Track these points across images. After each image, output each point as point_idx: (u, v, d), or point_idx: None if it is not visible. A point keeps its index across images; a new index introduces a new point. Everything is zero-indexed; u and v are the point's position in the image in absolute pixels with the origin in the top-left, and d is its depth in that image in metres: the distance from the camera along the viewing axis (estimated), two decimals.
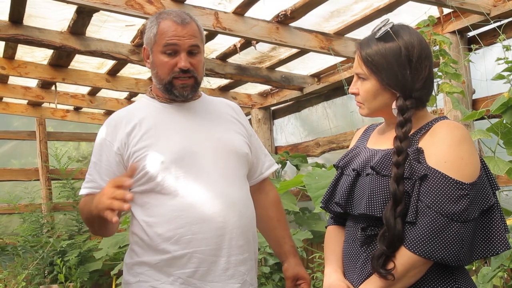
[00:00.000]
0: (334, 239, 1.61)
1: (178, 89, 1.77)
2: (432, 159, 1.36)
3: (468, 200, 1.31)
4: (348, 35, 3.56)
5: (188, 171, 1.72)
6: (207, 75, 4.15)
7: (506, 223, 1.40)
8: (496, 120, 2.25)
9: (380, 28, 1.43)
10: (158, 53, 1.76)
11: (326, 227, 1.67)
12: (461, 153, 1.35)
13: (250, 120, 5.29)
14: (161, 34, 1.75)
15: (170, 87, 1.77)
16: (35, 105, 5.93)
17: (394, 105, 1.44)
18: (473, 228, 1.34)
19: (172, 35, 1.73)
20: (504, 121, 2.17)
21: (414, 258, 1.32)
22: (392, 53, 1.41)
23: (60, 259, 5.17)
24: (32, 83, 5.21)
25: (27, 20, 3.50)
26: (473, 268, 2.27)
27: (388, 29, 1.41)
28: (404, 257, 1.33)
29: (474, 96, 3.14)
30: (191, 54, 1.76)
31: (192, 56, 1.76)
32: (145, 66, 4.07)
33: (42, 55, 4.34)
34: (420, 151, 1.38)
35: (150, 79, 4.83)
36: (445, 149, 1.36)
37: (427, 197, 1.32)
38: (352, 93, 1.52)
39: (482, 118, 2.38)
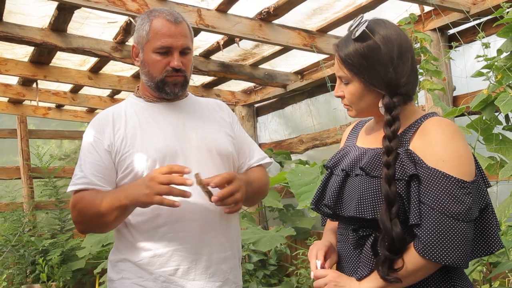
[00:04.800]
0: (333, 225, 1.59)
1: (169, 86, 1.78)
2: (429, 159, 1.31)
3: (471, 198, 1.28)
4: (330, 32, 3.58)
5: None
6: None
7: (497, 221, 1.38)
8: (476, 116, 2.28)
9: (356, 27, 1.38)
10: (150, 51, 1.76)
11: (323, 225, 1.66)
12: (458, 151, 1.31)
13: None
14: (154, 33, 1.75)
15: (162, 85, 1.78)
16: (16, 102, 5.86)
17: (380, 103, 1.39)
18: (474, 228, 1.31)
19: (166, 35, 1.73)
20: (484, 118, 2.21)
21: (423, 262, 1.28)
22: (371, 52, 1.35)
23: (42, 258, 5.13)
24: (13, 80, 5.14)
25: (7, 17, 3.46)
26: None
27: (364, 28, 1.36)
28: (413, 260, 1.29)
29: (455, 93, 3.18)
30: (182, 53, 1.77)
31: (183, 56, 1.78)
32: (127, 63, 4.10)
33: (23, 52, 4.29)
34: (411, 152, 1.34)
35: (133, 76, 4.80)
36: (441, 147, 1.31)
37: (429, 198, 1.28)
38: (338, 97, 1.47)
39: (462, 115, 2.41)
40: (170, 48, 1.74)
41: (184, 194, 1.55)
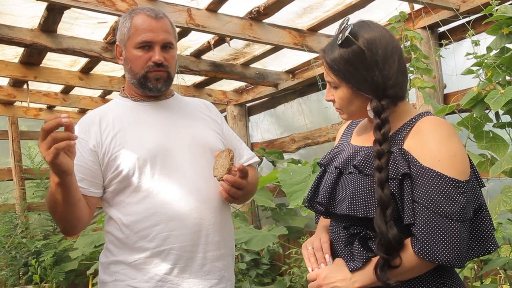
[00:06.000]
0: (326, 222, 1.59)
1: (152, 81, 1.77)
2: (424, 159, 1.30)
3: (465, 198, 1.27)
4: (321, 31, 3.58)
5: (163, 168, 1.72)
6: (181, 72, 4.14)
7: (492, 221, 1.37)
8: (466, 114, 2.28)
9: (340, 33, 1.37)
10: (131, 48, 1.76)
11: (316, 223, 1.66)
12: (453, 150, 1.30)
13: (225, 117, 5.29)
14: (135, 29, 1.75)
15: (144, 80, 1.77)
16: (6, 104, 5.84)
17: (368, 107, 1.39)
18: (469, 228, 1.31)
19: (147, 30, 1.73)
20: (474, 115, 2.21)
21: (419, 261, 1.29)
22: (356, 58, 1.35)
23: (35, 259, 5.11)
24: (3, 81, 5.12)
25: None
26: None
27: (347, 33, 1.35)
28: (409, 258, 1.30)
29: (445, 91, 3.20)
30: (164, 48, 1.77)
31: (165, 51, 1.77)
32: (118, 63, 4.07)
33: (13, 53, 4.27)
34: (405, 151, 1.33)
35: (124, 76, 4.77)
36: (435, 147, 1.30)
37: (423, 197, 1.28)
38: (329, 101, 1.47)
39: (453, 112, 2.42)
40: (150, 42, 1.74)
41: (70, 136, 1.42)
